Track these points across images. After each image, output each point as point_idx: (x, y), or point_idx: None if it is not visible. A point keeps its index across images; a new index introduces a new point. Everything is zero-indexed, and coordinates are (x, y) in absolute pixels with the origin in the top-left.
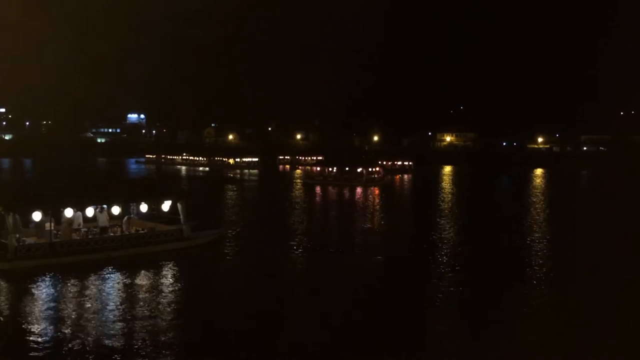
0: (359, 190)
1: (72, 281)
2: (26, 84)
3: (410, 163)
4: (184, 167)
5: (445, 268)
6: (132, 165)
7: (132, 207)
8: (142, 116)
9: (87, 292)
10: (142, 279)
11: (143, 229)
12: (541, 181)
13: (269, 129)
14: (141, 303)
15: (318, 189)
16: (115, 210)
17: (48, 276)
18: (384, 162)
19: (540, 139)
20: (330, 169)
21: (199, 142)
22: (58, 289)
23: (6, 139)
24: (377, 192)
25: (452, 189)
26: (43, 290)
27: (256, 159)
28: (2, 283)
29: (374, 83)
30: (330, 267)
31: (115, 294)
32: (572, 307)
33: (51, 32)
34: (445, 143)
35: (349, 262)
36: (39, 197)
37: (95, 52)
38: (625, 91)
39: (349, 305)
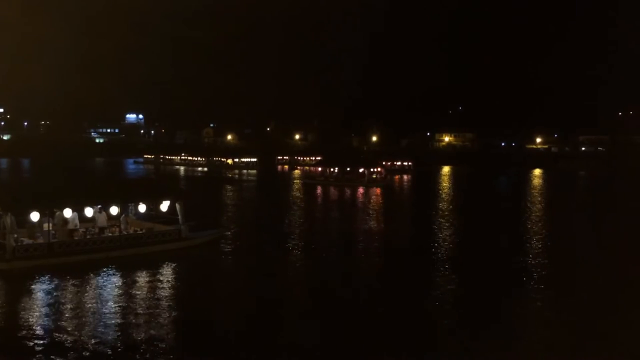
0: (360, 190)
1: (71, 281)
2: (25, 84)
3: (409, 163)
4: (182, 167)
5: (445, 268)
6: (131, 165)
7: (130, 207)
8: (141, 116)
9: (86, 292)
10: (141, 279)
11: (141, 229)
12: (539, 181)
13: (268, 129)
14: (140, 303)
15: (319, 189)
16: (114, 210)
17: (46, 276)
18: (384, 163)
19: (538, 139)
20: (331, 169)
21: (197, 142)
22: (56, 289)
23: (4, 139)
24: (378, 192)
25: (452, 189)
26: (41, 291)
27: (255, 159)
28: (0, 283)
29: (373, 83)
30: (330, 267)
31: (113, 294)
32: (572, 307)
33: (50, 32)
34: (443, 143)
35: (350, 262)
36: (36, 197)
37: (94, 52)
38: (624, 91)
39: (349, 305)
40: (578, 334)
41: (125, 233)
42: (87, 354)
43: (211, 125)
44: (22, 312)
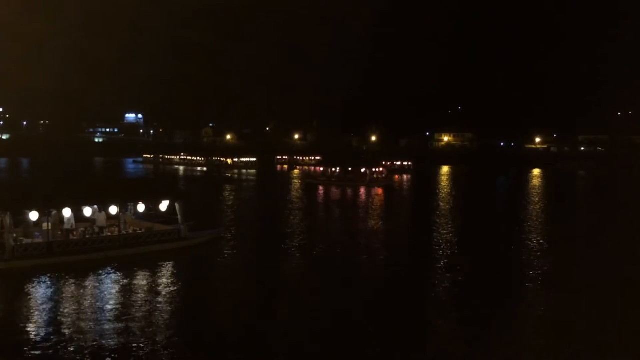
0: (362, 190)
1: (70, 281)
2: (24, 84)
3: (409, 163)
4: (181, 167)
5: (445, 268)
6: (130, 165)
7: (129, 207)
8: (140, 116)
9: (85, 292)
10: (140, 279)
11: (141, 229)
12: (539, 181)
13: (267, 129)
14: (139, 303)
15: (321, 189)
16: (113, 210)
17: (45, 276)
18: (384, 163)
19: (538, 139)
20: (333, 169)
21: (196, 142)
22: (55, 289)
23: (4, 139)
24: (380, 192)
25: (453, 189)
26: (40, 290)
27: (254, 159)
28: None
29: (372, 83)
30: (330, 268)
31: (112, 294)
32: (572, 307)
33: (50, 32)
34: (443, 143)
35: (350, 262)
36: (35, 197)
37: (93, 52)
38: (623, 92)
39: (349, 305)
40: (578, 334)
41: (124, 232)
42: (87, 353)
43: (210, 125)
44: (22, 312)
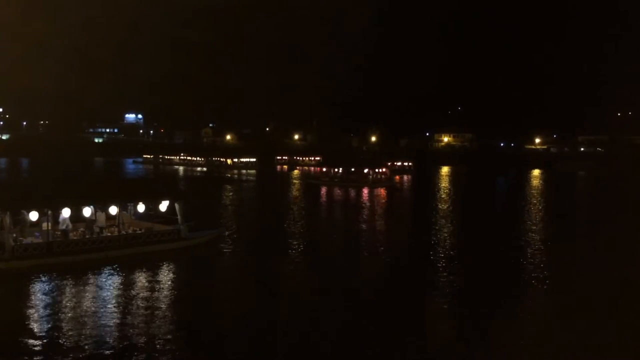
0: (365, 191)
1: (70, 281)
2: (24, 84)
3: (409, 164)
4: (181, 167)
5: (446, 268)
6: (130, 165)
7: (129, 207)
8: (140, 116)
9: (85, 291)
10: (140, 279)
11: (140, 229)
12: (539, 182)
13: (267, 129)
14: (138, 303)
15: (323, 189)
16: (113, 210)
17: (45, 276)
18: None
19: (537, 140)
20: (335, 170)
21: (196, 142)
22: (55, 289)
23: (3, 139)
24: (383, 193)
25: (453, 190)
26: (40, 290)
27: (254, 159)
28: None
29: (372, 83)
30: (331, 268)
31: (112, 294)
32: (572, 308)
33: (50, 32)
34: (442, 144)
35: (351, 262)
36: (35, 197)
37: (93, 52)
38: (623, 92)
39: (349, 305)
40: (578, 334)
41: (124, 232)
42: (86, 354)
43: (210, 125)
44: (21, 312)
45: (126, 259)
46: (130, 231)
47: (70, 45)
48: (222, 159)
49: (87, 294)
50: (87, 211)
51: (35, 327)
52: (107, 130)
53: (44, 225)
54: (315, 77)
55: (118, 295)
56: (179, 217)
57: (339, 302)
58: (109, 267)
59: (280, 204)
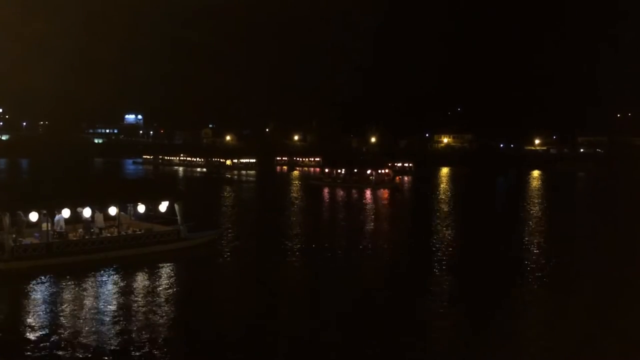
0: (368, 192)
1: (69, 282)
2: (24, 84)
3: (410, 165)
4: (181, 168)
5: (446, 269)
6: (130, 166)
7: (129, 208)
8: (140, 117)
9: (84, 292)
10: (139, 280)
11: (140, 230)
12: (538, 183)
13: (267, 129)
14: (138, 303)
15: (326, 191)
16: (112, 211)
17: (45, 277)
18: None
19: (537, 141)
20: (338, 171)
21: (196, 142)
22: (55, 289)
23: (3, 139)
24: (386, 194)
25: (454, 191)
26: (39, 291)
27: (254, 160)
28: None
29: (372, 84)
30: (331, 268)
31: (112, 294)
32: (571, 308)
33: (49, 32)
34: (442, 144)
35: (352, 263)
36: (34, 197)
37: (93, 53)
38: (622, 93)
39: (349, 305)
40: (577, 334)
41: (124, 233)
42: (86, 354)
43: (210, 125)
44: (20, 313)
45: (126, 259)
46: (130, 232)
47: (71, 46)
48: (221, 160)
49: (86, 295)
50: (85, 212)
51: (34, 327)
52: (107, 131)
53: (44, 226)
54: (315, 77)
55: (118, 296)
56: (178, 217)
57: (339, 302)
58: (108, 268)
59: (280, 205)
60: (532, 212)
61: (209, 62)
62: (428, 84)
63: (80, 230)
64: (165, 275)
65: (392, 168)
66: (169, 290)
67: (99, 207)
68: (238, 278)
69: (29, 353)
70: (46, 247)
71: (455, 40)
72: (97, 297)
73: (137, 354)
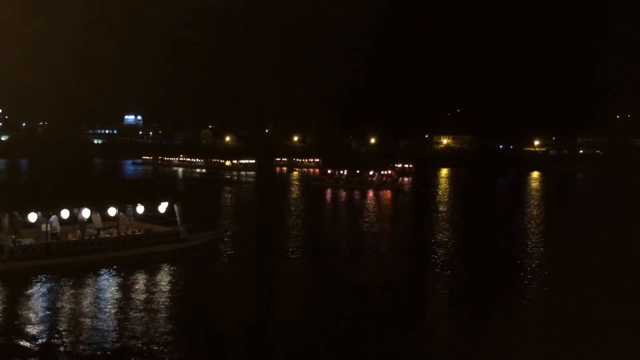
0: (370, 193)
1: (68, 282)
2: (23, 85)
3: (410, 165)
4: (180, 169)
5: (447, 269)
6: (129, 166)
7: (128, 208)
8: (139, 117)
9: (83, 293)
10: (139, 280)
11: (139, 230)
12: (538, 184)
13: (266, 130)
14: (138, 304)
15: (328, 191)
16: (112, 211)
17: (44, 277)
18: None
19: (536, 142)
20: (340, 172)
21: (195, 143)
22: (54, 290)
23: (2, 140)
24: (388, 195)
25: (455, 192)
26: (39, 292)
27: (253, 161)
28: None
29: (371, 85)
30: (331, 270)
31: (111, 295)
32: (571, 308)
33: (49, 33)
34: (442, 145)
35: (352, 263)
36: (33, 198)
37: (92, 53)
38: (622, 94)
39: (349, 306)
40: (577, 334)
41: (123, 234)
42: (85, 355)
43: (210, 126)
44: (20, 313)
45: (125, 260)
46: (129, 232)
47: (71, 46)
48: (221, 161)
49: (86, 295)
50: (83, 212)
51: (34, 328)
52: (107, 131)
53: (42, 226)
54: (315, 77)
55: (117, 296)
56: (178, 218)
57: (339, 302)
58: (108, 269)
59: (280, 205)
60: (531, 212)
61: (209, 62)
62: (428, 85)
63: (78, 231)
64: (165, 275)
65: (394, 169)
66: (168, 291)
67: (98, 207)
68: (238, 278)
69: (28, 354)
70: (45, 247)
71: (455, 41)
72: (96, 298)
73: (137, 354)
